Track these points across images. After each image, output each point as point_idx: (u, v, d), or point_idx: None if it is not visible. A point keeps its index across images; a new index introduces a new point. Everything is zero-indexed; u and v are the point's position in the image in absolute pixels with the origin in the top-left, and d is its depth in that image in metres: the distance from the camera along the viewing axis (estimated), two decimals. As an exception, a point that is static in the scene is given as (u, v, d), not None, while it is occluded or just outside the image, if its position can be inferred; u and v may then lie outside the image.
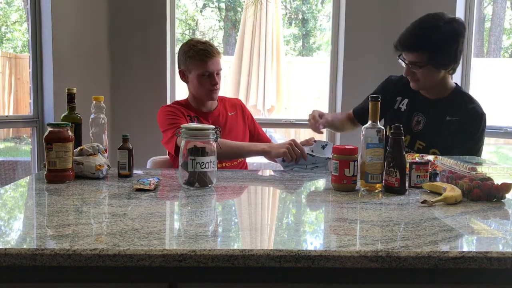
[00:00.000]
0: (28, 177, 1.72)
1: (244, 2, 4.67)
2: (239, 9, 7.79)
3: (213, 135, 1.52)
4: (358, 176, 1.52)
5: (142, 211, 1.22)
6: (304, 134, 4.94)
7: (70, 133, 1.59)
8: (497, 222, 1.22)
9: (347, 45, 3.31)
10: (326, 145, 1.96)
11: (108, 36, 3.26)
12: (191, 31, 8.57)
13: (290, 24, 8.37)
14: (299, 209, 1.36)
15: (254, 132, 2.29)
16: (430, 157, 1.66)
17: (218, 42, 8.35)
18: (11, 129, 5.32)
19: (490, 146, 6.04)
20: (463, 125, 1.84)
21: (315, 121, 2.03)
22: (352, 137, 2.35)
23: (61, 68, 2.99)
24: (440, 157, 1.63)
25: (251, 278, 0.98)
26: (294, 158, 1.83)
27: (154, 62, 3.28)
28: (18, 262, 0.92)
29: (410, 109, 1.97)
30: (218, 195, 1.46)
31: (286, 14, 8.22)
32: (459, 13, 3.05)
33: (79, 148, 1.70)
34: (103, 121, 1.81)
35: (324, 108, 3.46)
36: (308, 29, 8.34)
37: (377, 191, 1.50)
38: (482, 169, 1.46)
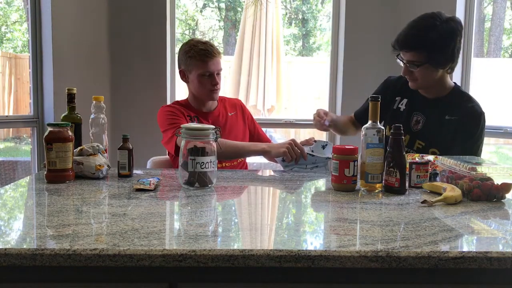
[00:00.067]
0: (28, 177, 1.72)
1: (244, 2, 4.67)
2: (239, 9, 7.79)
3: (213, 135, 1.52)
4: (358, 176, 1.52)
5: (142, 211, 1.22)
6: (304, 134, 4.94)
7: (70, 133, 1.59)
8: (497, 222, 1.22)
9: (347, 45, 3.31)
10: (326, 145, 1.96)
11: (108, 36, 3.26)
12: (191, 31, 8.57)
13: (290, 24, 8.37)
14: (299, 209, 1.36)
15: (254, 132, 2.29)
16: (430, 157, 1.66)
17: (218, 42, 8.35)
18: (11, 129, 5.32)
19: (490, 146, 6.04)
20: (462, 124, 1.84)
21: (320, 117, 2.02)
22: (352, 137, 2.35)
23: (61, 68, 2.99)
24: (440, 157, 1.63)
25: (251, 278, 0.98)
26: (294, 158, 1.83)
27: (154, 62, 3.28)
28: (18, 262, 0.92)
29: (409, 109, 1.97)
30: (218, 195, 1.46)
31: (286, 14, 8.22)
32: (459, 13, 3.05)
33: (79, 148, 1.70)
34: (103, 121, 1.81)
35: (324, 108, 3.46)
36: (308, 29, 8.34)
37: (377, 191, 1.50)
38: (482, 169, 1.46)
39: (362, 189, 1.51)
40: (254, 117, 2.38)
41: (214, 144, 1.53)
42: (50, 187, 1.51)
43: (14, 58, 5.20)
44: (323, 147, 1.95)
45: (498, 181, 1.42)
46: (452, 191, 1.39)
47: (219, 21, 8.60)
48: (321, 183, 1.71)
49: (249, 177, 1.79)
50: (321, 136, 3.59)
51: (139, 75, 3.28)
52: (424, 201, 1.35)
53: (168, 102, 3.21)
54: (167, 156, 2.27)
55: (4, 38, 6.95)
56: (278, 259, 0.93)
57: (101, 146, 1.73)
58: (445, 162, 1.58)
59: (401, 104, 2.00)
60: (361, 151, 1.51)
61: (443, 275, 0.99)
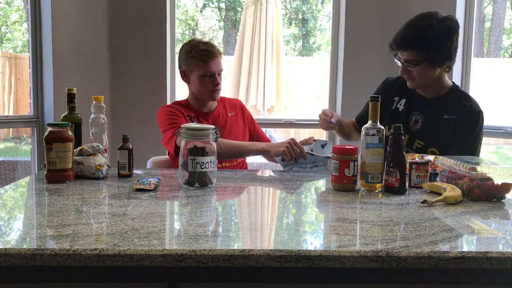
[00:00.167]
0: (28, 177, 1.72)
1: (244, 2, 4.67)
2: (239, 9, 7.79)
3: (213, 135, 1.53)
4: (358, 176, 1.52)
5: (142, 211, 1.22)
6: (304, 134, 4.94)
7: (70, 133, 1.59)
8: (497, 222, 1.22)
9: (347, 45, 3.31)
10: (325, 144, 1.96)
11: (108, 36, 3.26)
12: (191, 31, 8.57)
13: (290, 24, 8.37)
14: (299, 209, 1.36)
15: (254, 132, 2.29)
16: (430, 157, 1.66)
17: (218, 42, 8.35)
18: (11, 129, 5.32)
19: (490, 146, 6.04)
20: (460, 123, 1.84)
21: (327, 115, 1.99)
22: (352, 137, 2.34)
23: (61, 68, 2.99)
24: (440, 157, 1.63)
25: (251, 278, 0.98)
26: (293, 157, 1.83)
27: (154, 62, 3.28)
28: (18, 262, 0.92)
29: (407, 108, 1.97)
30: (218, 195, 1.46)
31: (286, 14, 8.22)
32: (459, 13, 3.06)
33: (79, 148, 1.70)
34: (103, 121, 1.81)
35: (325, 108, 3.46)
36: (308, 29, 8.35)
37: (377, 191, 1.50)
38: (482, 169, 1.46)
39: (362, 189, 1.51)
40: (254, 117, 2.38)
41: (214, 144, 1.53)
42: (50, 187, 1.51)
43: (14, 58, 5.20)
44: (323, 146, 1.95)
45: (498, 181, 1.42)
46: (452, 191, 1.39)
47: (219, 21, 8.61)
48: (321, 183, 1.71)
49: (249, 177, 1.79)
50: (322, 136, 3.60)
51: (139, 75, 3.28)
52: (424, 201, 1.35)
53: (168, 102, 3.21)
54: (167, 156, 2.27)
55: (4, 38, 6.95)
56: (278, 259, 0.93)
57: (101, 146, 1.73)
58: (445, 162, 1.58)
59: (400, 104, 2.00)
60: (361, 151, 1.51)
61: (443, 275, 0.99)
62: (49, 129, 1.57)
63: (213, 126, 1.55)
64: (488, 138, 4.00)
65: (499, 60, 6.27)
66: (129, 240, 0.98)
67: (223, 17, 8.55)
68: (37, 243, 0.97)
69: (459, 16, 3.05)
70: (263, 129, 2.40)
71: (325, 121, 2.00)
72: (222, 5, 8.35)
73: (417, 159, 1.63)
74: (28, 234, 1.05)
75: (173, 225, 1.18)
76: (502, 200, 1.42)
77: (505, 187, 1.41)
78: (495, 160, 1.96)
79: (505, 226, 1.20)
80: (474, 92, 3.08)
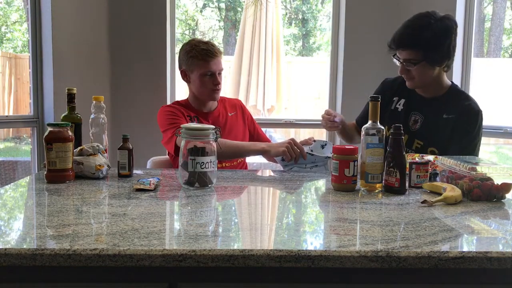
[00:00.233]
0: (28, 177, 1.72)
1: (244, 2, 4.67)
2: (239, 9, 7.79)
3: (213, 135, 1.53)
4: (358, 176, 1.52)
5: (142, 211, 1.22)
6: (304, 134, 4.94)
7: (70, 133, 1.59)
8: (497, 222, 1.22)
9: (347, 45, 3.31)
10: (325, 144, 1.96)
11: (108, 36, 3.26)
12: (191, 31, 8.57)
13: (290, 24, 8.37)
14: (299, 209, 1.36)
15: (254, 132, 2.29)
16: (430, 157, 1.66)
17: (218, 42, 8.35)
18: (11, 129, 5.32)
19: (490, 146, 6.04)
20: (459, 122, 1.85)
21: (330, 114, 1.97)
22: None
23: (61, 68, 2.99)
24: (440, 157, 1.63)
25: (251, 278, 0.98)
26: (293, 157, 1.83)
27: (154, 62, 3.28)
28: (18, 262, 0.92)
29: (407, 108, 1.98)
30: (218, 195, 1.46)
31: (286, 14, 8.22)
32: (459, 13, 3.06)
33: (79, 148, 1.70)
34: (103, 121, 1.81)
35: (324, 108, 3.46)
36: (308, 29, 8.34)
37: (377, 191, 1.50)
38: (482, 169, 1.46)
39: (362, 189, 1.51)
40: (254, 117, 2.38)
41: (214, 144, 1.53)
42: (50, 187, 1.51)
43: (14, 58, 5.20)
44: (323, 146, 1.95)
45: (498, 181, 1.42)
46: (452, 191, 1.39)
47: (219, 21, 8.60)
48: (321, 183, 1.71)
49: (249, 177, 1.79)
50: (322, 136, 3.60)
51: (139, 75, 3.28)
52: (424, 201, 1.35)
53: (168, 102, 3.21)
54: (167, 156, 2.27)
55: (4, 38, 6.95)
56: (278, 259, 0.93)
57: (101, 146, 1.73)
58: (445, 162, 1.58)
59: (399, 105, 2.00)
60: (361, 151, 1.52)
61: (443, 275, 0.99)
62: (49, 129, 1.57)
63: (213, 126, 1.55)
64: (488, 138, 4.00)
65: (499, 60, 6.27)
66: (129, 240, 0.98)
67: (223, 17, 8.55)
68: (37, 243, 0.97)
69: (459, 16, 3.05)
70: (263, 129, 2.40)
71: (329, 121, 1.97)
72: (222, 5, 8.35)
73: (417, 159, 1.63)
74: (28, 234, 1.05)
75: (173, 225, 1.18)
76: (502, 200, 1.42)
77: (505, 187, 1.41)
78: (495, 160, 1.96)
79: (505, 226, 1.20)
80: (474, 92, 3.08)
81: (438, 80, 1.91)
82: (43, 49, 2.98)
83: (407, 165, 1.50)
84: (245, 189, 1.62)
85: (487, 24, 5.99)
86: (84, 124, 1.83)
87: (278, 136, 5.17)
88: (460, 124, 1.84)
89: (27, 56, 3.45)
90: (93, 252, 0.92)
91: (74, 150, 1.64)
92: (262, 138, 2.30)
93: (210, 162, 1.50)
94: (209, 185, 1.53)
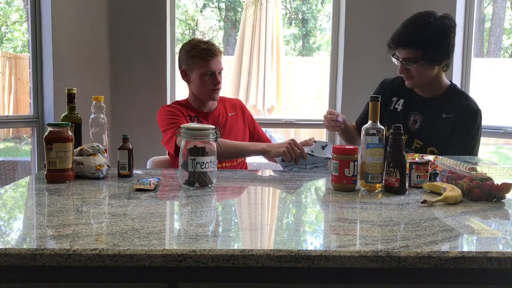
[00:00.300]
0: (28, 177, 1.72)
1: (244, 2, 4.67)
2: (239, 9, 7.79)
3: (213, 135, 1.53)
4: (358, 176, 1.52)
5: (142, 211, 1.22)
6: (304, 134, 4.94)
7: (70, 133, 1.59)
8: (497, 222, 1.22)
9: (347, 45, 3.31)
10: (326, 145, 1.96)
11: (108, 36, 3.26)
12: (191, 31, 8.57)
13: (290, 24, 8.36)
14: (299, 209, 1.36)
15: (254, 132, 2.29)
16: (430, 157, 1.66)
17: (218, 42, 8.35)
18: (11, 129, 5.31)
19: (490, 146, 6.04)
20: (459, 122, 1.85)
21: (333, 114, 1.95)
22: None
23: (61, 68, 2.99)
24: (440, 157, 1.63)
25: (251, 278, 0.98)
26: (293, 158, 1.83)
27: (154, 62, 3.28)
28: (18, 262, 0.92)
29: (406, 109, 1.98)
30: (218, 195, 1.46)
31: (286, 14, 8.22)
32: (459, 13, 3.06)
33: (79, 148, 1.70)
34: (103, 121, 1.81)
35: (324, 108, 3.46)
36: (308, 29, 8.34)
37: (377, 191, 1.50)
38: (482, 169, 1.46)
39: (362, 189, 1.51)
40: (254, 117, 2.38)
41: (214, 144, 1.53)
42: (50, 187, 1.51)
43: (14, 58, 5.20)
44: (323, 147, 1.95)
45: (498, 181, 1.42)
46: (452, 191, 1.39)
47: (219, 21, 8.60)
48: (321, 183, 1.71)
49: (249, 177, 1.79)
50: (322, 136, 3.60)
51: (139, 75, 3.28)
52: (424, 201, 1.35)
53: (168, 102, 3.21)
54: (167, 156, 2.27)
55: (4, 38, 6.94)
56: (278, 259, 0.93)
57: (101, 146, 1.73)
58: (445, 162, 1.58)
59: (398, 105, 2.01)
60: (361, 151, 1.52)
61: (443, 275, 0.99)
62: (49, 129, 1.57)
63: (213, 126, 1.55)
64: (488, 138, 4.00)
65: (499, 60, 6.27)
66: (129, 240, 0.98)
67: (223, 17, 8.55)
68: (37, 243, 0.97)
69: (459, 16, 3.05)
70: (263, 129, 2.40)
71: (332, 120, 1.95)
72: (222, 5, 8.35)
73: (417, 159, 1.63)
74: (28, 234, 1.05)
75: (173, 225, 1.18)
76: (502, 200, 1.42)
77: (505, 187, 1.41)
78: (495, 160, 1.96)
79: (505, 226, 1.20)
80: (474, 92, 3.08)
81: (437, 80, 1.91)
82: (43, 49, 2.98)
83: (407, 165, 1.50)
84: (245, 189, 1.62)
85: (487, 24, 5.99)
86: (84, 124, 1.83)
87: (278, 136, 5.17)
88: (460, 124, 1.85)
89: (27, 56, 3.44)
90: (93, 252, 0.92)
91: (74, 150, 1.64)
92: (262, 138, 2.30)
93: (210, 162, 1.50)
94: (209, 185, 1.53)
